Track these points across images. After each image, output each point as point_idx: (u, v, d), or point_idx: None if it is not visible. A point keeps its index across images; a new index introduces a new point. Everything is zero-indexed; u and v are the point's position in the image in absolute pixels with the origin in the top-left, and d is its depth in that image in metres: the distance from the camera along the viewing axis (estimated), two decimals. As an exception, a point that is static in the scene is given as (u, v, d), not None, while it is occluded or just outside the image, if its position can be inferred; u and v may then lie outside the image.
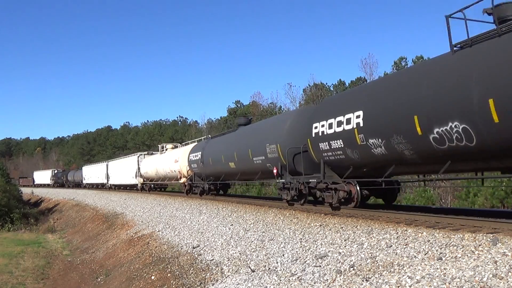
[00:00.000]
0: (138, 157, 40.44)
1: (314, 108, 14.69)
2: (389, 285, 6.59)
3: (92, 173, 59.55)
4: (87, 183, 61.67)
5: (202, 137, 32.22)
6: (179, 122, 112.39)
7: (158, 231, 18.23)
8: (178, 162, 28.37)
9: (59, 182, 78.95)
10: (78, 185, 67.41)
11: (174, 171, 29.52)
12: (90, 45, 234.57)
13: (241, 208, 17.86)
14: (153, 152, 41.55)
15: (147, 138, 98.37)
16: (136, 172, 39.50)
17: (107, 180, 51.05)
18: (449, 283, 5.92)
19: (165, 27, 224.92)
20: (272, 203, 17.49)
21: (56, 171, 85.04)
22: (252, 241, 11.98)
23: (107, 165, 51.78)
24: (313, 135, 12.84)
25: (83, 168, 67.41)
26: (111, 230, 24.82)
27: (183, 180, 28.15)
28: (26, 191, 66.56)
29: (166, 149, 35.39)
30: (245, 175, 19.22)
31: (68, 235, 31.49)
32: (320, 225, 11.51)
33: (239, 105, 64.36)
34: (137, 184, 39.99)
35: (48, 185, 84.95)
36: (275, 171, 15.12)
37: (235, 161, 18.75)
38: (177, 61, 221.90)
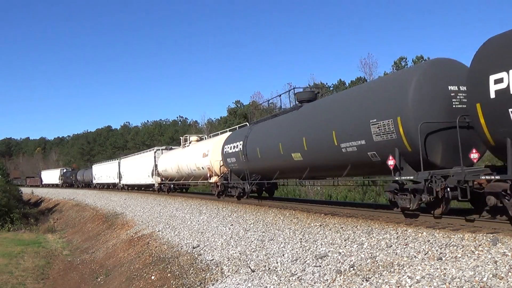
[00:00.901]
0: (155, 152, 34.28)
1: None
2: (389, 285, 6.59)
3: (103, 172, 53.56)
4: (97, 183, 56.45)
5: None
6: (179, 122, 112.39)
7: (158, 231, 18.23)
8: (208, 157, 22.88)
9: (68, 182, 73.71)
10: (88, 185, 62.01)
11: (202, 168, 23.81)
12: (90, 45, 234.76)
13: (241, 208, 17.84)
14: (172, 147, 35.36)
15: (147, 138, 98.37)
16: (153, 170, 33.89)
17: (119, 180, 45.44)
18: (449, 283, 5.92)
19: (165, 27, 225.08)
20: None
21: (65, 170, 79.82)
22: (252, 241, 11.98)
23: (119, 163, 45.91)
24: (493, 95, 7.38)
25: (93, 166, 61.31)
26: (111, 230, 24.82)
27: (214, 179, 22.50)
28: (26, 191, 66.47)
29: (190, 142, 29.14)
30: (321, 170, 13.71)
31: (68, 235, 31.48)
32: (320, 225, 11.51)
33: (239, 105, 64.36)
34: (153, 184, 34.41)
35: (56, 185, 79.78)
36: (391, 162, 9.84)
37: (304, 151, 13.56)
38: (177, 61, 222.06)
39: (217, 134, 26.02)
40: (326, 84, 51.67)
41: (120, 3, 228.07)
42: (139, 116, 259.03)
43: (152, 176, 34.12)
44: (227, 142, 20.93)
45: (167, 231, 17.52)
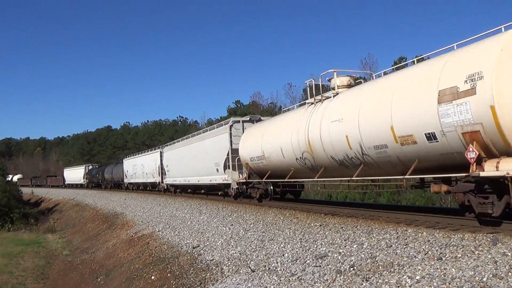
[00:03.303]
0: (232, 126, 19.86)
1: None
2: (389, 285, 6.59)
3: (137, 167, 40.08)
4: (130, 183, 43.59)
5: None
6: (179, 122, 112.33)
7: (158, 231, 18.23)
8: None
9: (94, 182, 59.22)
10: (119, 185, 48.71)
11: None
12: (90, 45, 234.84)
13: (241, 208, 17.83)
14: (261, 118, 20.68)
15: (147, 138, 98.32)
16: (227, 160, 19.76)
17: (161, 178, 33.06)
18: (449, 283, 5.92)
19: (165, 27, 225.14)
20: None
21: (90, 167, 64.12)
22: (252, 241, 11.98)
23: (161, 154, 33.18)
24: None
25: (124, 161, 46.65)
26: (111, 230, 24.81)
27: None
28: (26, 191, 66.40)
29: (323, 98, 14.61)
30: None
31: (68, 235, 31.47)
32: (320, 225, 11.51)
33: (239, 105, 64.39)
34: (228, 184, 20.58)
35: (81, 186, 64.90)
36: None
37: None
38: (177, 61, 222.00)
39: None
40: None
41: (120, 3, 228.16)
42: (139, 116, 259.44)
43: (224, 170, 20.02)
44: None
45: (167, 231, 17.51)
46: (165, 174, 31.78)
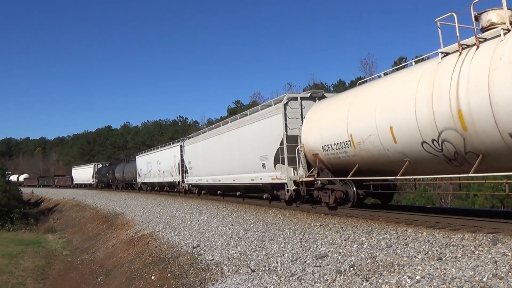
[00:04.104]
0: (286, 105, 14.71)
1: None
2: (389, 285, 6.59)
3: (152, 164, 34.98)
4: (144, 183, 38.48)
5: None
6: (179, 122, 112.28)
7: (158, 231, 18.23)
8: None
9: (104, 182, 54.73)
10: (131, 185, 44.37)
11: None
12: (90, 45, 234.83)
13: (241, 208, 17.83)
14: (324, 94, 15.61)
15: (147, 138, 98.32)
16: (279, 151, 14.90)
17: (182, 177, 27.86)
18: (449, 283, 5.92)
19: (165, 27, 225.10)
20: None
21: (100, 166, 59.01)
22: (252, 241, 11.98)
23: (181, 148, 27.89)
24: None
25: (137, 157, 41.28)
26: (111, 230, 24.81)
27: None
28: (26, 191, 66.37)
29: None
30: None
31: (68, 235, 31.47)
32: (320, 225, 11.51)
33: (239, 105, 64.37)
34: (282, 185, 15.21)
35: (90, 186, 60.79)
36: None
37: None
38: (177, 61, 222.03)
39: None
40: (326, 84, 51.69)
41: (120, 3, 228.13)
42: (139, 116, 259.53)
43: (275, 165, 15.09)
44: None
45: (167, 231, 17.51)
46: (187, 172, 26.68)
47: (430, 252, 7.38)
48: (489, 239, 7.22)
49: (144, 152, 40.67)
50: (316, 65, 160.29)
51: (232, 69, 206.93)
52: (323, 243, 9.84)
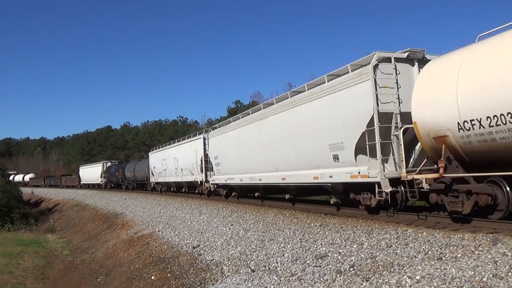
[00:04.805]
0: (375, 68, 10.12)
1: None
2: (389, 285, 6.59)
3: (170, 161, 29.39)
4: (159, 183, 33.88)
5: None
6: (179, 122, 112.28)
7: (158, 231, 18.23)
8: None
9: (113, 181, 50.03)
10: (143, 185, 40.23)
11: None
12: (90, 45, 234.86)
13: (241, 208, 17.84)
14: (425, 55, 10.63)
15: (147, 138, 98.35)
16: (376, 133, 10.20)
17: (205, 176, 23.39)
18: (449, 283, 5.92)
19: (165, 27, 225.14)
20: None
21: (109, 164, 54.52)
22: (252, 241, 11.98)
23: (205, 140, 23.53)
24: None
25: (149, 154, 36.54)
26: (111, 230, 24.81)
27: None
28: (26, 191, 66.34)
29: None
30: None
31: (68, 235, 31.46)
32: (320, 225, 11.51)
33: (239, 105, 64.38)
34: (376, 185, 10.42)
35: (98, 187, 56.68)
36: None
37: None
38: (177, 61, 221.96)
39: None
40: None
41: (120, 3, 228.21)
42: (139, 116, 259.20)
43: (356, 158, 11.02)
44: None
45: (167, 231, 17.51)
46: (212, 170, 22.33)
47: (430, 252, 7.39)
48: (489, 239, 7.23)
49: (158, 148, 34.55)
50: (316, 65, 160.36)
51: (232, 69, 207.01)
52: (323, 243, 9.84)
